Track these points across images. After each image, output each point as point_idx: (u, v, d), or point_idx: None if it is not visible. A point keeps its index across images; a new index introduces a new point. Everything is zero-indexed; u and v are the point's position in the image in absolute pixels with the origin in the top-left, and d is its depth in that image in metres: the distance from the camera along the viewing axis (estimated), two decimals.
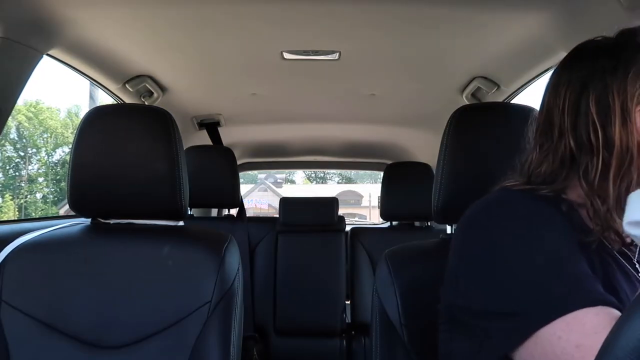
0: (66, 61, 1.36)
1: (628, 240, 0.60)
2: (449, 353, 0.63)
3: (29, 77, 1.18)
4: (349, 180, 25.81)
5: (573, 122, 0.60)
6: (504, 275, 0.54)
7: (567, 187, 0.62)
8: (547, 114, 0.64)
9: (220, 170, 1.98)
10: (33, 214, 20.66)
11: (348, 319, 2.20)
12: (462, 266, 0.61)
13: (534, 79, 1.51)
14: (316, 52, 1.45)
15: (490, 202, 0.62)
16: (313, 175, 27.76)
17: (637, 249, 0.62)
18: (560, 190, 0.62)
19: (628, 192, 0.56)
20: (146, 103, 1.75)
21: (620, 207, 0.56)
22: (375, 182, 18.14)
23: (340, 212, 2.35)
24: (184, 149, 1.00)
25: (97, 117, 0.98)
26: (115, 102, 1.71)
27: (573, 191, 0.62)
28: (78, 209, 0.98)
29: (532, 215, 0.58)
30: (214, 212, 2.68)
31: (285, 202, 2.33)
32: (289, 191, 22.31)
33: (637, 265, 0.61)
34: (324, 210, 2.31)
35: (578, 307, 0.49)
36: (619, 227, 0.56)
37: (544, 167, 0.63)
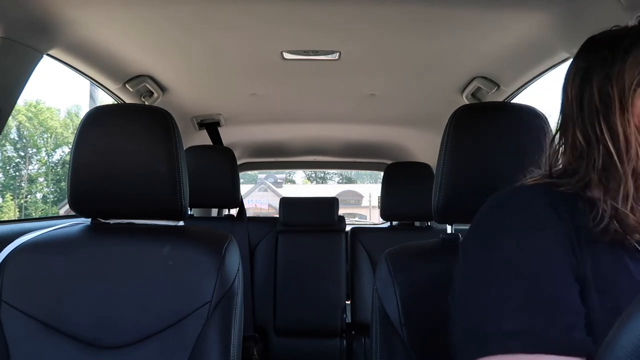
0: (66, 61, 1.36)
1: None
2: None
3: (29, 77, 1.18)
4: (349, 180, 25.82)
5: (578, 114, 0.60)
6: (480, 292, 0.55)
7: (590, 182, 0.60)
8: (562, 106, 0.64)
9: (220, 170, 1.97)
10: (33, 214, 20.68)
11: (348, 319, 2.20)
12: (455, 271, 0.62)
13: (534, 79, 1.51)
14: (316, 52, 1.45)
15: (491, 208, 0.61)
16: (313, 175, 27.76)
17: None
18: (581, 185, 0.60)
19: (635, 182, 0.55)
20: (146, 103, 1.75)
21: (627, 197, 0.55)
22: (375, 182, 18.14)
23: (340, 212, 2.35)
24: (184, 149, 1.00)
25: (97, 117, 0.97)
26: (115, 102, 1.71)
27: (596, 186, 0.60)
28: (78, 209, 0.98)
29: (524, 226, 0.56)
30: (214, 212, 2.68)
31: (285, 202, 2.33)
32: (289, 191, 22.30)
33: None
34: (324, 210, 2.30)
35: (535, 350, 0.48)
36: (629, 219, 0.55)
37: (562, 160, 0.63)
